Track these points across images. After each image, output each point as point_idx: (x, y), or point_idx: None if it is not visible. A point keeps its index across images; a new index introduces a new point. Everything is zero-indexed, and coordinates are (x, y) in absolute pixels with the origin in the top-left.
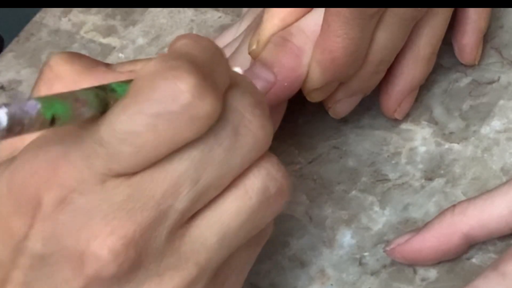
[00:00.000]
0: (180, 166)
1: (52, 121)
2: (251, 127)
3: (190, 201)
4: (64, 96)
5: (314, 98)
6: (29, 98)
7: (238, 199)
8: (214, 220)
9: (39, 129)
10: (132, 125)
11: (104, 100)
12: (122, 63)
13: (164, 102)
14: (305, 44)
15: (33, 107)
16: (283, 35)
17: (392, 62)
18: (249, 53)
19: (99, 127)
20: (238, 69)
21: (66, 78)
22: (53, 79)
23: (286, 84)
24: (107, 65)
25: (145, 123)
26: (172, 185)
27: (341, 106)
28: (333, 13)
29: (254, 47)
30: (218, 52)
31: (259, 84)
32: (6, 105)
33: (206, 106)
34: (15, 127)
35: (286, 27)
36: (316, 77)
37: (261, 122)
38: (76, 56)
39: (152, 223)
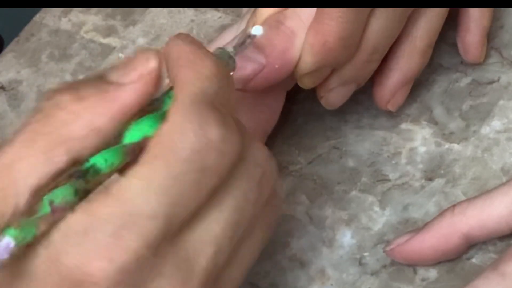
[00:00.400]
0: (216, 226)
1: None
2: (270, 179)
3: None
4: (43, 219)
5: (306, 84)
6: (3, 233)
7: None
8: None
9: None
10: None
11: (84, 191)
12: (110, 71)
13: (199, 155)
14: (298, 27)
15: (6, 250)
16: (277, 17)
17: (388, 54)
18: None
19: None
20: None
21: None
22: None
23: (277, 66)
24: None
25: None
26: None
27: (334, 96)
28: None
29: (249, 29)
30: (217, 68)
31: (250, 66)
32: None
33: (233, 145)
34: None
35: (282, 9)
36: (308, 60)
37: (275, 172)
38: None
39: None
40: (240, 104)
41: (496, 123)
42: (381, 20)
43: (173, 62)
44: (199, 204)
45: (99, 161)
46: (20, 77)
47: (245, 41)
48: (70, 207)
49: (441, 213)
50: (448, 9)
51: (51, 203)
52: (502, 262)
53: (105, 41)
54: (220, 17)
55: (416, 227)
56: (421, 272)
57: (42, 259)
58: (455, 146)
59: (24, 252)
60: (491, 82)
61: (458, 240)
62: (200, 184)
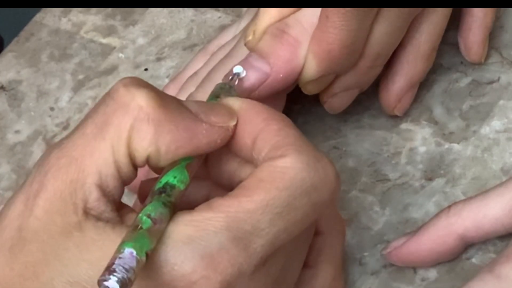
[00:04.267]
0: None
1: (147, 257)
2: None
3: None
4: (150, 231)
5: (309, 90)
6: (121, 248)
7: None
8: None
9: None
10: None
11: (170, 204)
12: (198, 104)
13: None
14: (302, 35)
15: (132, 259)
16: (280, 26)
17: (392, 58)
18: (245, 44)
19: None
20: (238, 68)
21: (154, 121)
22: (142, 120)
23: (281, 75)
24: (187, 110)
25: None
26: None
27: (337, 101)
28: None
29: (250, 37)
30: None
31: (254, 75)
32: (110, 272)
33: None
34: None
35: (283, 18)
36: (312, 68)
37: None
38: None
39: None
40: None
41: (496, 123)
42: (384, 26)
43: (254, 120)
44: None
45: (170, 178)
46: (20, 77)
47: (233, 78)
48: (165, 219)
49: (437, 215)
50: (450, 12)
51: (149, 216)
52: (497, 264)
53: (105, 41)
54: (220, 17)
55: (416, 227)
56: (421, 272)
57: (146, 268)
58: (455, 146)
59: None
60: (491, 82)
61: (454, 242)
62: (309, 217)
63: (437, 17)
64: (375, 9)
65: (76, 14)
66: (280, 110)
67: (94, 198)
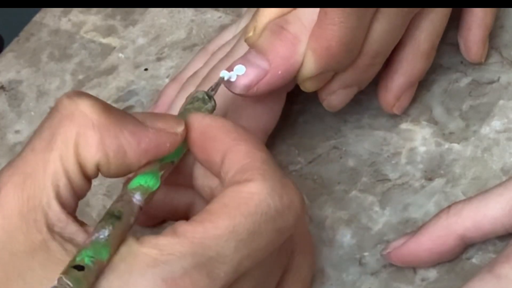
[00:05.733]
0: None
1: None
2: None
3: None
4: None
5: (308, 87)
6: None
7: None
8: None
9: None
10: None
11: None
12: (146, 115)
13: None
14: (301, 32)
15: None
16: (279, 22)
17: (392, 57)
18: (245, 40)
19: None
20: (224, 73)
21: (98, 127)
22: (87, 126)
23: (280, 72)
24: (131, 117)
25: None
26: None
27: (336, 98)
28: None
29: (250, 34)
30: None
31: (253, 72)
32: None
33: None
34: None
35: (283, 14)
36: (311, 65)
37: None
38: (105, 106)
39: None
40: (241, 105)
41: (496, 123)
42: (383, 24)
43: (223, 139)
44: (263, 258)
45: (141, 181)
46: (20, 77)
47: (219, 83)
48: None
49: (437, 215)
50: (450, 11)
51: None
52: (497, 264)
53: (105, 41)
54: (220, 17)
55: (416, 227)
56: (421, 272)
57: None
58: (455, 146)
59: (93, 282)
60: (491, 82)
61: (454, 242)
62: (273, 243)
63: (436, 16)
64: (374, 8)
65: (76, 14)
66: (280, 110)
67: (54, 212)
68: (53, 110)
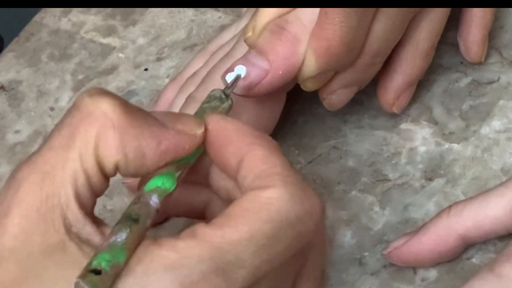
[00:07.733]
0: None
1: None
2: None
3: None
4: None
5: (308, 87)
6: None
7: None
8: None
9: None
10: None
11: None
12: (164, 114)
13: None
14: (301, 32)
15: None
16: (279, 22)
17: (391, 56)
18: (245, 40)
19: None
20: (242, 68)
21: (121, 129)
22: (107, 127)
23: (280, 72)
24: (152, 117)
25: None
26: None
27: (336, 98)
28: None
29: (249, 34)
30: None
31: (254, 72)
32: None
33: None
34: None
35: (282, 14)
36: (311, 65)
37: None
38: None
39: None
40: (241, 105)
41: (496, 123)
42: (384, 24)
43: (239, 143)
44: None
45: (158, 183)
46: (20, 77)
47: (236, 80)
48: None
49: (437, 215)
50: (449, 10)
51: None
52: (498, 263)
53: (105, 41)
54: (220, 17)
55: (416, 227)
56: (421, 272)
57: None
58: (455, 146)
59: (110, 286)
60: (491, 82)
61: (454, 242)
62: (292, 248)
63: (436, 15)
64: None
65: (76, 14)
66: (280, 110)
67: (72, 212)
68: (73, 108)
